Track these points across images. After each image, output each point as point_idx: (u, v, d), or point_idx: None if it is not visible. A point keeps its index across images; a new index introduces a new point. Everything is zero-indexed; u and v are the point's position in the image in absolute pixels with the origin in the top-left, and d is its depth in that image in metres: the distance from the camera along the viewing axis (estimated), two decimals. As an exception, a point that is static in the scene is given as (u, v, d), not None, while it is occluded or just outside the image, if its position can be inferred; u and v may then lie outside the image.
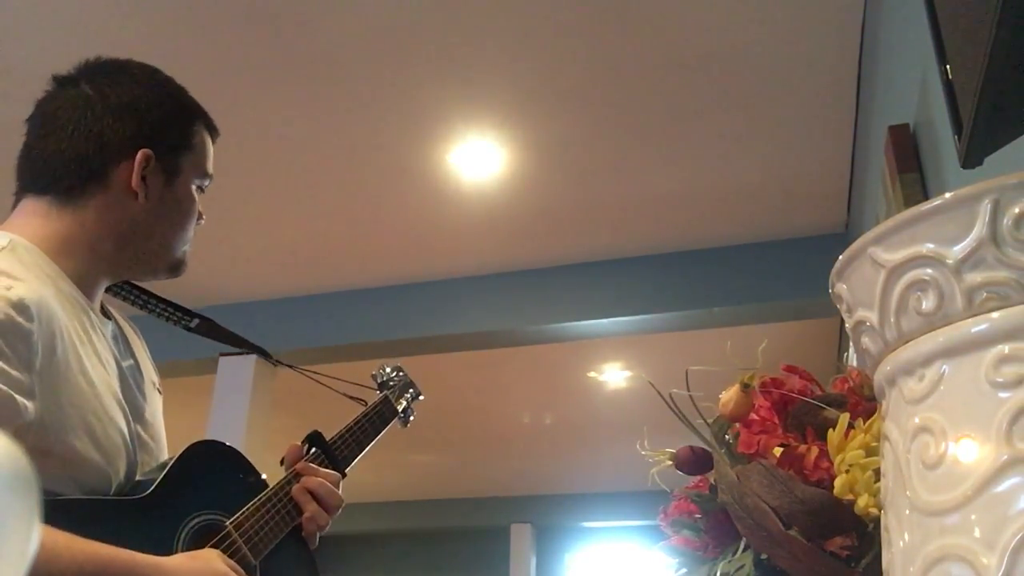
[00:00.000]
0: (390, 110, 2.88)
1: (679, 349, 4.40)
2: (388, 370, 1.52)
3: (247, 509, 1.05)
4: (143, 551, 0.87)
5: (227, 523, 1.02)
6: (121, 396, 1.00)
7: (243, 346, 1.34)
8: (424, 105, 2.86)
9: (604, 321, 3.78)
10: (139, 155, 1.03)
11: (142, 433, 1.04)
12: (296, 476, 1.14)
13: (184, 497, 1.01)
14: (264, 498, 1.08)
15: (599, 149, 3.09)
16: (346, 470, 1.24)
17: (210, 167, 1.12)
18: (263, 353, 1.36)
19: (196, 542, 0.98)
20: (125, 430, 0.98)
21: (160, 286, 1.18)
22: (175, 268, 1.10)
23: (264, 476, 1.15)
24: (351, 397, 1.40)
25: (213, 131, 1.15)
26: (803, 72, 2.65)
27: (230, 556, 0.98)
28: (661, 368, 4.61)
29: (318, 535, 1.16)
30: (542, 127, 2.97)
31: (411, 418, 1.52)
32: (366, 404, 1.38)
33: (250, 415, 3.98)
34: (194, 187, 1.09)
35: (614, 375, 5.21)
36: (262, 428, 4.03)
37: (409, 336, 4.02)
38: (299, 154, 3.16)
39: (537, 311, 3.87)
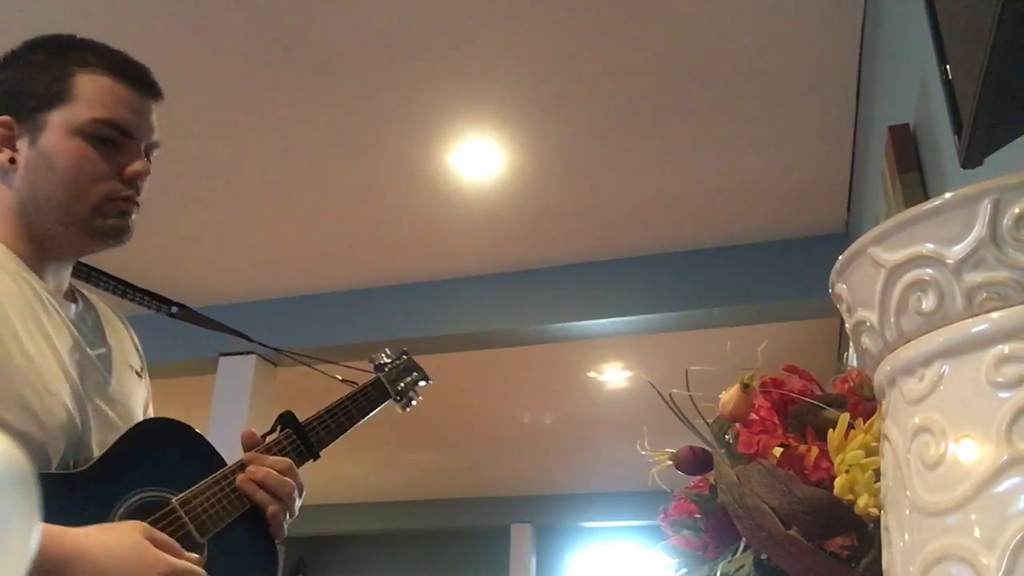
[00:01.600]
0: (390, 110, 2.88)
1: (679, 349, 4.40)
2: (387, 352, 1.45)
3: (197, 487, 1.02)
4: (70, 526, 0.84)
5: (173, 499, 1.00)
6: (74, 373, 0.98)
7: (221, 330, 1.33)
8: (424, 105, 2.86)
9: (604, 321, 3.78)
10: None
11: (106, 410, 1.01)
12: (241, 466, 1.09)
13: (129, 472, 0.98)
14: (219, 475, 1.05)
15: (599, 149, 3.09)
16: (320, 452, 1.20)
17: (108, 111, 1.01)
18: (242, 336, 1.34)
19: (135, 517, 0.94)
20: (71, 405, 0.96)
21: (156, 283, 1.18)
22: (95, 232, 1.02)
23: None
24: (345, 381, 1.36)
25: (121, 74, 1.04)
26: (803, 72, 2.65)
27: (172, 532, 0.95)
28: (661, 368, 4.61)
29: (284, 522, 1.10)
30: (542, 127, 2.97)
31: (413, 402, 1.45)
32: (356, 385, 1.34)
33: (250, 415, 3.98)
34: (75, 137, 1.00)
35: (614, 375, 5.21)
36: (262, 428, 4.03)
37: (409, 336, 4.02)
38: (299, 154, 3.16)
39: (537, 311, 3.87)
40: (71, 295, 1.09)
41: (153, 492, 0.99)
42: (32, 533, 0.36)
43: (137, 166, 1.03)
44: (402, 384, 1.42)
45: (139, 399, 1.12)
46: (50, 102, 1.00)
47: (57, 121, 1.00)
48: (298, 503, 1.12)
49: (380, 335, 4.06)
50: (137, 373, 1.14)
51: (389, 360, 1.43)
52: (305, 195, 3.43)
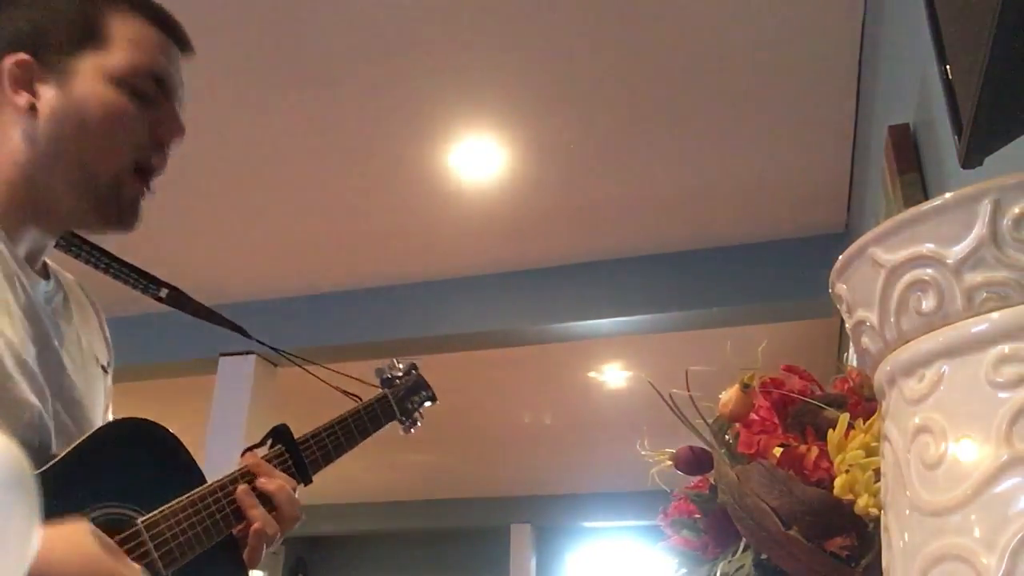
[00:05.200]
0: (390, 110, 2.88)
1: (679, 349, 4.40)
2: (397, 365, 1.31)
3: (168, 507, 0.86)
4: None
5: (138, 520, 0.83)
6: (34, 364, 0.83)
7: (215, 321, 1.15)
8: (424, 105, 2.86)
9: (604, 321, 3.78)
10: (4, 62, 0.86)
11: (62, 412, 0.86)
12: (244, 475, 0.94)
13: (86, 484, 0.82)
14: (195, 496, 0.89)
15: (599, 149, 3.09)
16: (313, 476, 1.04)
17: (150, 61, 0.90)
18: (239, 330, 1.18)
19: None
20: (34, 399, 0.81)
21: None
22: (105, 206, 0.88)
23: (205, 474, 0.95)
24: (347, 393, 1.21)
25: (158, 21, 0.92)
26: (803, 72, 2.65)
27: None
28: (661, 368, 4.61)
29: (263, 550, 0.94)
30: (542, 127, 2.97)
31: (418, 423, 1.31)
32: (361, 401, 1.20)
33: (250, 415, 3.98)
34: (113, 86, 0.87)
35: (614, 375, 5.21)
36: (262, 428, 4.01)
37: (409, 336, 4.02)
38: (299, 154, 3.16)
39: (537, 311, 3.87)
40: (43, 270, 0.93)
41: (116, 508, 0.83)
42: (32, 533, 0.36)
43: (173, 127, 0.92)
44: (409, 404, 1.29)
45: (99, 398, 0.96)
46: (81, 43, 0.87)
47: (90, 67, 0.87)
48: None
49: (380, 335, 4.06)
50: (103, 368, 0.98)
51: (399, 375, 1.30)
52: (305, 195, 3.43)
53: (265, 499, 0.94)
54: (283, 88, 2.79)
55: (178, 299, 1.10)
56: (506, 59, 2.65)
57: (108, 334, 1.04)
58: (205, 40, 2.90)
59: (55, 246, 0.97)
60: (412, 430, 1.31)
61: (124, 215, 0.90)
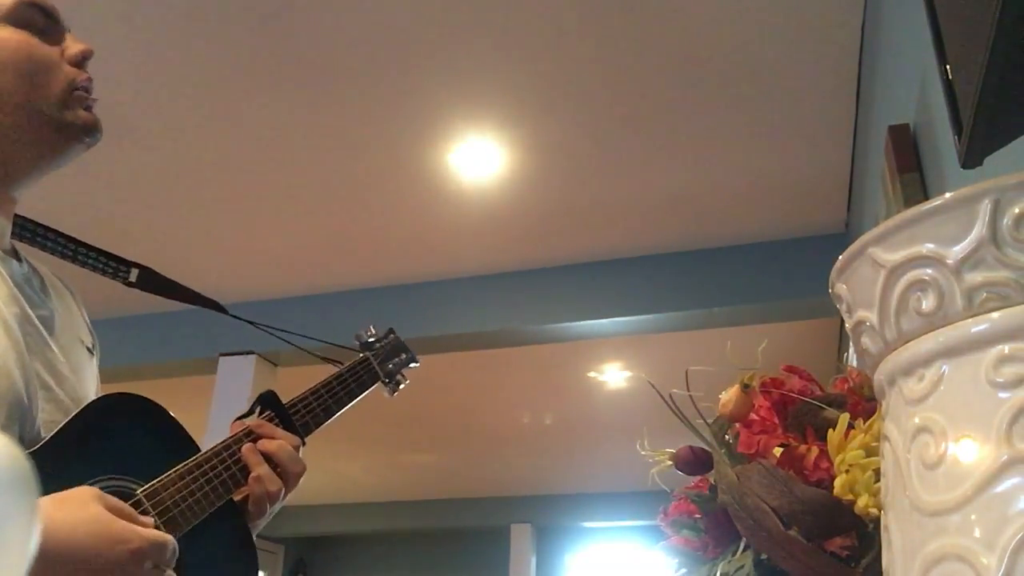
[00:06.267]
0: (390, 110, 2.88)
1: (679, 349, 4.40)
2: (373, 330, 1.32)
3: (168, 475, 0.88)
4: None
5: (138, 491, 0.85)
6: (18, 335, 0.83)
7: (190, 300, 1.14)
8: (424, 105, 2.86)
9: (604, 321, 3.78)
10: None
11: (52, 386, 0.87)
12: (248, 434, 0.97)
13: (83, 457, 0.83)
14: (193, 463, 0.91)
15: (599, 149, 3.09)
16: (306, 439, 1.06)
17: None
18: (217, 307, 1.18)
19: None
20: (17, 372, 0.81)
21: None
22: (68, 127, 0.90)
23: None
24: (329, 360, 1.24)
25: None
26: (803, 72, 2.65)
27: None
28: (661, 368, 4.61)
29: (268, 506, 0.96)
30: (542, 127, 2.97)
31: (401, 386, 1.33)
32: (342, 365, 1.21)
33: (250, 415, 3.98)
34: (7, 26, 0.89)
35: (614, 375, 5.21)
36: (262, 428, 4.03)
37: (409, 336, 4.00)
38: (299, 154, 3.16)
39: (537, 311, 3.87)
40: (14, 254, 0.95)
41: (114, 482, 0.84)
42: (32, 533, 0.37)
43: (81, 46, 0.94)
44: (390, 365, 1.30)
45: (92, 378, 0.98)
46: None
47: None
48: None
49: (380, 335, 4.06)
50: (88, 350, 1.00)
51: (376, 338, 1.31)
52: (305, 195, 3.43)
53: (268, 458, 0.97)
54: (282, 88, 2.79)
55: (149, 280, 1.10)
56: (507, 59, 2.65)
57: (88, 319, 1.05)
58: (208, 41, 2.90)
59: (20, 239, 0.99)
60: (395, 392, 1.33)
61: (87, 128, 0.92)
